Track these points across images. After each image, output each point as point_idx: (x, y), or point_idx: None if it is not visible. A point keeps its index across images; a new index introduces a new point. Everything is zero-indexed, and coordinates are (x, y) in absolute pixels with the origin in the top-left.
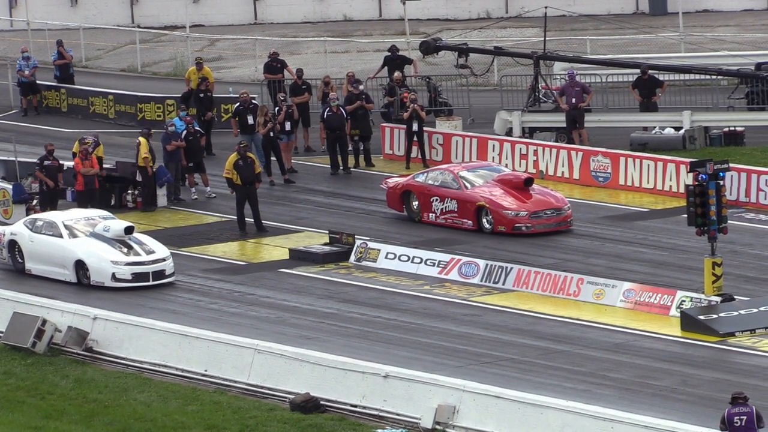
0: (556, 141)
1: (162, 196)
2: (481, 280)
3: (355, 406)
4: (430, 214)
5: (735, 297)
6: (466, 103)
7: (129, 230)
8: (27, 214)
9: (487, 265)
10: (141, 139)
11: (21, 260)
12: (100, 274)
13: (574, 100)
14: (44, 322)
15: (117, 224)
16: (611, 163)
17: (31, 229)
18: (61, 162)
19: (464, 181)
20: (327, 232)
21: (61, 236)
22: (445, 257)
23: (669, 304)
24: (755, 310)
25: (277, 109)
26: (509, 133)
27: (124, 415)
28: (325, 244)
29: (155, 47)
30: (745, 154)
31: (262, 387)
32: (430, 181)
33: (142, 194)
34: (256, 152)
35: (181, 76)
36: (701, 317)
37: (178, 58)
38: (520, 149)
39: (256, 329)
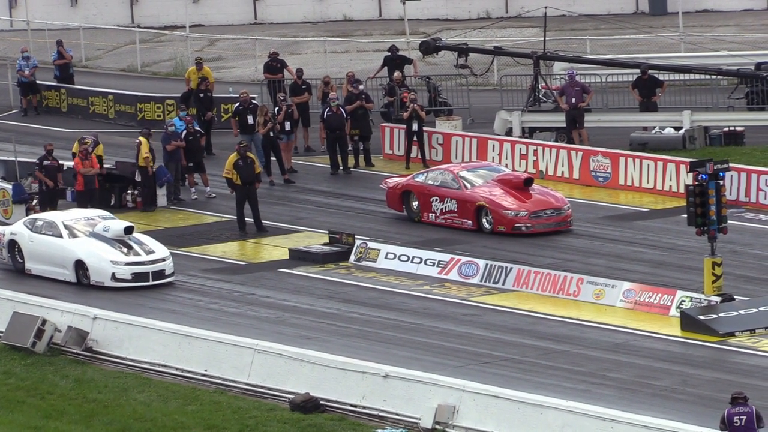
0: (556, 141)
1: (162, 196)
2: (481, 280)
3: (355, 406)
4: (430, 214)
5: (735, 297)
6: (465, 103)
7: (129, 230)
8: (27, 214)
9: (486, 265)
10: (142, 139)
11: (21, 260)
12: (99, 274)
13: (573, 100)
14: (44, 321)
15: (117, 224)
16: (611, 163)
17: (30, 229)
18: (60, 162)
19: (464, 181)
20: (327, 232)
21: (60, 236)
22: (445, 257)
23: (669, 304)
24: (755, 310)
25: (276, 109)
26: (509, 133)
27: (124, 415)
28: (324, 244)
29: (155, 47)
30: (745, 154)
31: (262, 387)
32: (429, 181)
33: (141, 194)
34: (255, 152)
35: (180, 76)
36: (701, 317)
37: (177, 58)
38: (520, 149)
39: (256, 329)
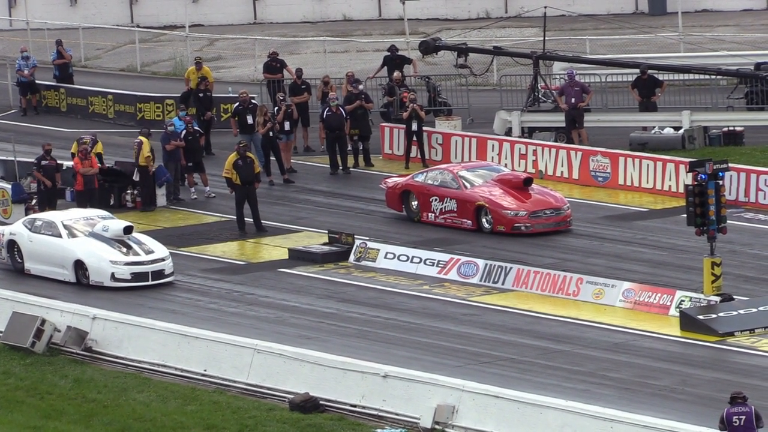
0: (556, 141)
1: (161, 195)
2: (481, 280)
3: (355, 406)
4: (430, 214)
5: (734, 297)
6: (465, 103)
7: (128, 230)
8: (26, 214)
9: (486, 264)
10: (143, 138)
11: (20, 260)
12: (99, 274)
13: (573, 100)
14: (43, 321)
15: (116, 224)
16: (610, 163)
17: (30, 229)
18: (59, 162)
19: (463, 181)
20: (326, 231)
21: (60, 236)
22: (445, 257)
23: (668, 303)
24: (754, 310)
25: (276, 108)
26: (508, 132)
27: (124, 415)
28: (324, 244)
29: (154, 47)
30: (745, 153)
31: (262, 387)
32: (429, 181)
33: (141, 194)
34: (255, 152)
35: (180, 76)
36: (700, 317)
37: (177, 57)
38: (520, 149)
39: (256, 329)
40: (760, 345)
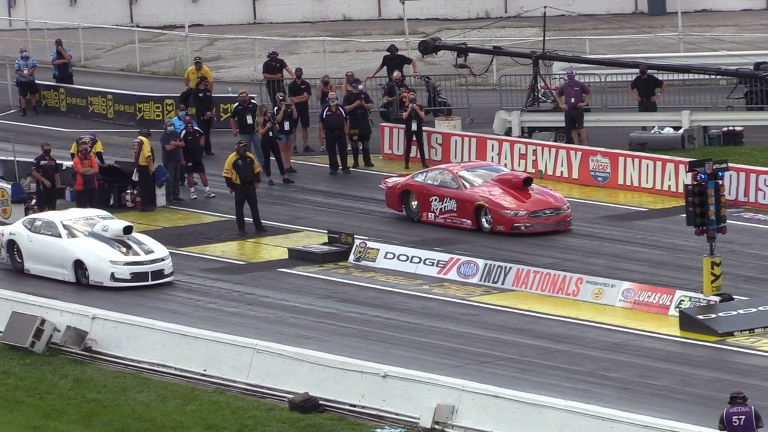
0: (555, 141)
1: (161, 195)
2: (480, 280)
3: (354, 406)
4: (429, 214)
5: (734, 297)
6: (465, 103)
7: (128, 230)
8: (26, 214)
9: (486, 264)
10: (144, 138)
11: (20, 260)
12: (98, 274)
13: (573, 100)
14: (43, 321)
15: (116, 224)
16: (610, 163)
17: (29, 229)
18: (58, 162)
19: (463, 181)
20: (326, 231)
21: (59, 236)
22: (444, 257)
23: (668, 303)
24: (754, 310)
25: (276, 108)
26: (508, 132)
27: (123, 415)
28: (324, 244)
29: (154, 47)
30: (744, 153)
31: (261, 387)
32: (429, 181)
33: (140, 194)
34: (255, 152)
35: (180, 76)
36: (700, 317)
37: (177, 57)
38: (519, 149)
39: (255, 329)
40: (760, 345)
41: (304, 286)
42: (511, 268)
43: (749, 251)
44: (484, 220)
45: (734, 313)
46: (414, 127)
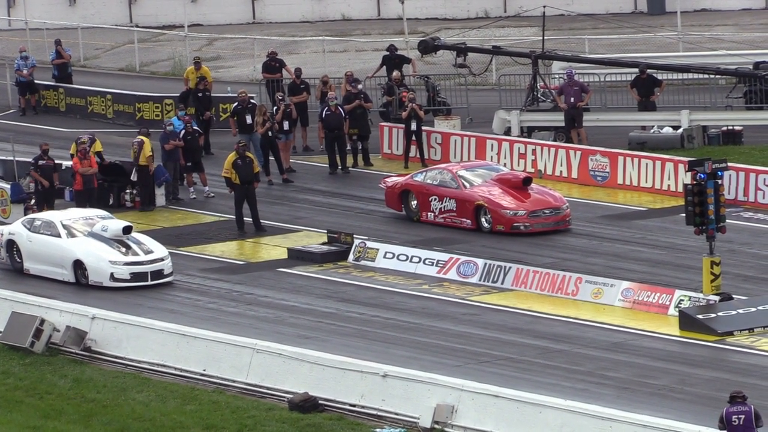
0: (555, 140)
1: (160, 195)
2: (480, 280)
3: (354, 406)
4: (429, 214)
5: (733, 296)
6: (464, 103)
7: (127, 230)
8: (25, 214)
9: (485, 264)
10: (144, 138)
11: (19, 260)
12: (98, 274)
13: (572, 100)
14: (42, 321)
15: (115, 224)
16: (609, 163)
17: (29, 229)
18: (57, 161)
19: (463, 181)
20: (325, 231)
21: (59, 236)
22: (444, 256)
23: (667, 303)
24: (753, 309)
25: (275, 108)
26: (508, 132)
27: (123, 415)
28: (323, 244)
29: (153, 47)
30: (744, 153)
31: (261, 386)
32: (428, 181)
33: (140, 194)
34: (254, 152)
35: (179, 76)
36: (700, 316)
37: (176, 57)
38: (519, 148)
39: (255, 329)
40: (759, 344)
41: (303, 285)
42: (510, 267)
43: (749, 251)
44: (483, 219)
45: (734, 312)
46: (413, 126)
